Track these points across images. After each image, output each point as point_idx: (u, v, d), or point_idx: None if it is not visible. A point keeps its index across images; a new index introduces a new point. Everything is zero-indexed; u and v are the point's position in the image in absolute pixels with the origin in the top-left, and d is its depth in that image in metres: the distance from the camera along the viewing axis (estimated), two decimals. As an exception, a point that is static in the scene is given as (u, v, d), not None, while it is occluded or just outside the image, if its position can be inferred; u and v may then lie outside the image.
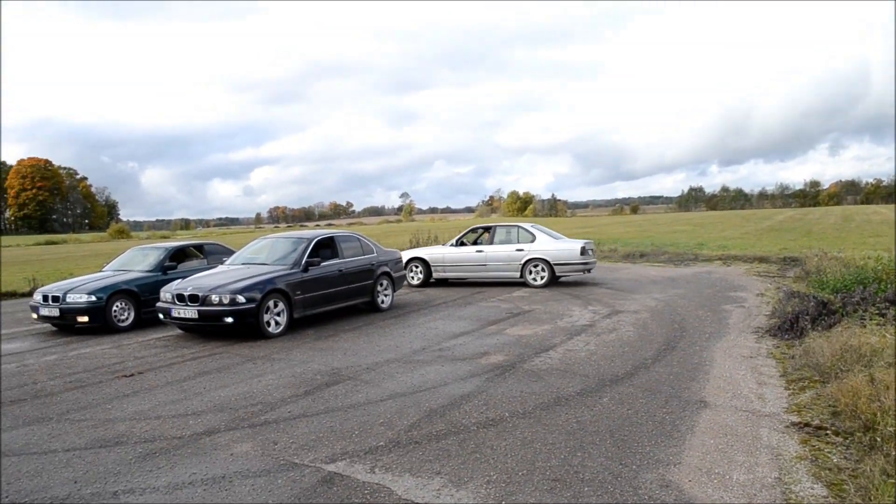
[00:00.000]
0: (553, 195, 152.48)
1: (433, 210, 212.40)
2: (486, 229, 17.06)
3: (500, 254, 15.82)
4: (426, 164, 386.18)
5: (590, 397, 6.43)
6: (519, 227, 16.60)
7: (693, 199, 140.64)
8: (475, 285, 16.19)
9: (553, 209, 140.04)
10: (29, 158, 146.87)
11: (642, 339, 9.05)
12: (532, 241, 15.85)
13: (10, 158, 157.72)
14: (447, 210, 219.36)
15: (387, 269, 12.81)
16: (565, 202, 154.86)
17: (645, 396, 6.40)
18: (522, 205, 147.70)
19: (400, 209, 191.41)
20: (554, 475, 4.60)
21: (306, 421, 6.04)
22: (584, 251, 15.54)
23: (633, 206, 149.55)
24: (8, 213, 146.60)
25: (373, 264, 12.46)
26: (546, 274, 15.50)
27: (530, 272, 15.65)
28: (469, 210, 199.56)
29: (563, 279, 16.15)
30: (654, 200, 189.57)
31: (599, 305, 12.21)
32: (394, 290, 13.07)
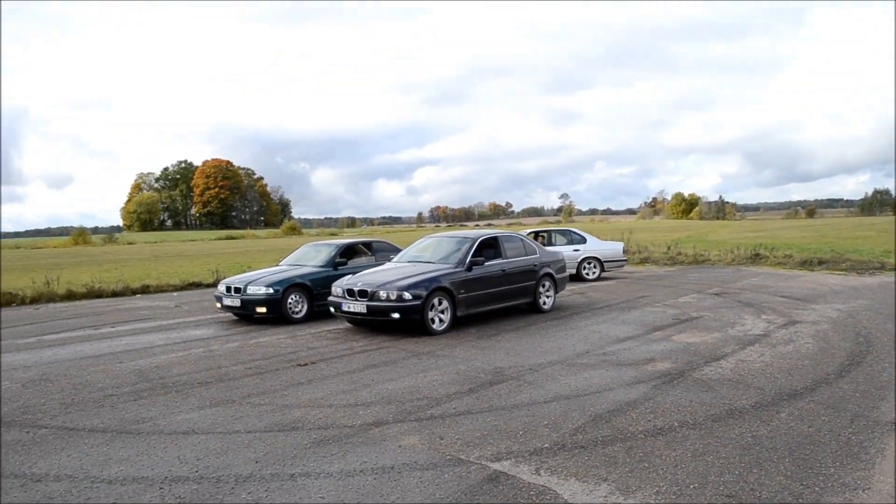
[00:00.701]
0: (721, 197, 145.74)
1: (593, 211, 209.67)
2: (543, 233, 19.77)
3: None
4: (587, 164, 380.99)
5: (766, 411, 6.10)
6: (572, 231, 19.88)
7: (878, 203, 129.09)
8: (638, 289, 15.80)
9: (721, 212, 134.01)
10: (213, 159, 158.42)
11: (823, 353, 8.47)
12: (584, 243, 19.08)
13: (197, 159, 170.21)
14: (608, 212, 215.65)
15: (549, 270, 12.75)
16: (734, 204, 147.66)
17: (827, 414, 5.98)
18: (688, 207, 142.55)
19: (559, 210, 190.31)
20: (728, 491, 4.39)
21: (471, 418, 6.12)
22: (624, 251, 19.60)
23: (809, 209, 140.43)
24: (193, 210, 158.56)
25: (535, 265, 12.44)
26: (597, 270, 18.79)
27: (584, 268, 18.71)
28: (630, 212, 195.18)
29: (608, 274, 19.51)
30: (832, 204, 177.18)
31: (774, 315, 11.55)
32: (556, 292, 12.99)
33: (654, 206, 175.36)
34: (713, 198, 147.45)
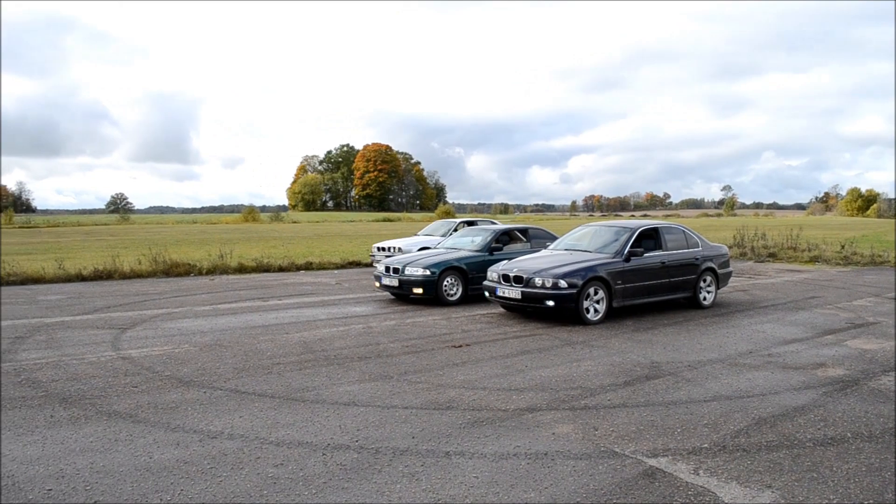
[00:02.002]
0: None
1: (758, 205, 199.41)
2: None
3: None
4: (753, 155, 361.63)
5: (954, 429, 5.59)
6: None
7: None
8: (807, 289, 14.88)
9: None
10: (373, 143, 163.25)
11: None
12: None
13: (358, 143, 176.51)
14: (773, 206, 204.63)
15: (712, 264, 12.26)
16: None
17: None
18: (864, 203, 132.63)
19: (721, 202, 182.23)
20: (909, 510, 4.08)
21: (626, 411, 6.01)
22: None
23: None
24: (353, 192, 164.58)
25: (697, 259, 12.00)
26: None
27: None
28: (799, 207, 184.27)
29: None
30: None
31: (965, 325, 10.54)
32: (717, 288, 12.48)
33: (825, 202, 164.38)
34: (893, 195, 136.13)
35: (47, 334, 9.72)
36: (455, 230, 18.37)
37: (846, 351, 8.56)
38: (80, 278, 17.23)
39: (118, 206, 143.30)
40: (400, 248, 17.49)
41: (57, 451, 5.06)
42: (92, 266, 18.30)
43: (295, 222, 77.73)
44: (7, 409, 6.13)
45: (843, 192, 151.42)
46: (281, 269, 20.04)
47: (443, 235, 18.18)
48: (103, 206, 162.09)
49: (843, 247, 25.37)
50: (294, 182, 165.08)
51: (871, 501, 4.20)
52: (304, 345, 8.93)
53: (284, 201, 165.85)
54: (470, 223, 18.75)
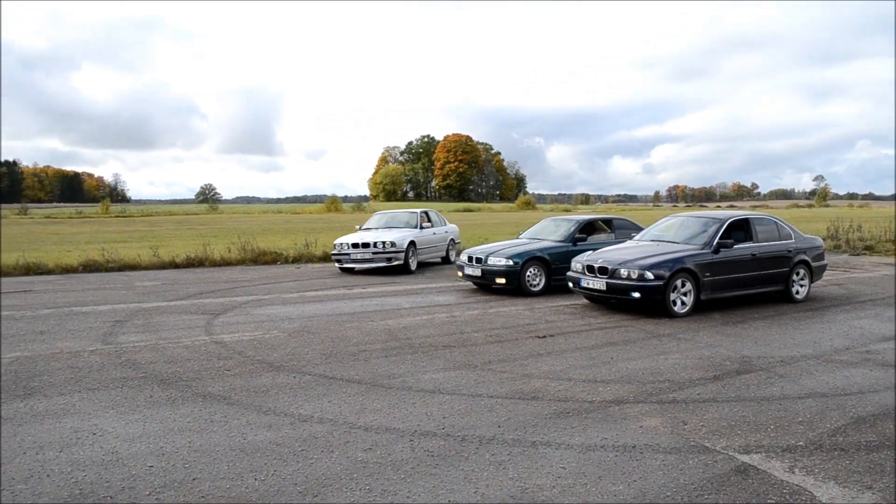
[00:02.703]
0: None
1: (852, 196, 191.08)
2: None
3: None
4: (847, 144, 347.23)
5: None
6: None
7: None
8: (909, 284, 14.20)
9: None
10: (454, 134, 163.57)
11: None
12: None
13: (439, 134, 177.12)
14: (869, 196, 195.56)
15: (805, 256, 11.81)
16: None
17: None
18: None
19: (812, 193, 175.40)
20: None
21: (716, 406, 5.87)
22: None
23: None
24: (434, 182, 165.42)
25: (790, 251, 11.58)
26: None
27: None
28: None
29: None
30: None
31: None
32: (811, 281, 12.02)
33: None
34: None
35: (144, 318, 10.15)
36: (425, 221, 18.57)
37: (952, 349, 8.14)
38: (173, 265, 17.95)
39: (207, 197, 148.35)
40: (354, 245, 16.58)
41: (157, 429, 5.28)
42: (184, 254, 19.03)
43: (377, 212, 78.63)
44: (110, 388, 6.44)
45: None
46: (364, 259, 20.32)
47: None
48: (192, 197, 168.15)
49: (947, 240, 24.09)
50: (375, 173, 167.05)
51: (982, 507, 3.99)
52: (389, 332, 9.06)
53: (366, 192, 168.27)
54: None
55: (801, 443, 5.01)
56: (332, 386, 6.49)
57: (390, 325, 9.60)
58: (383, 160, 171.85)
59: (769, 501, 4.06)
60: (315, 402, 5.96)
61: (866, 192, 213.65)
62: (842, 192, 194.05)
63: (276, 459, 4.64)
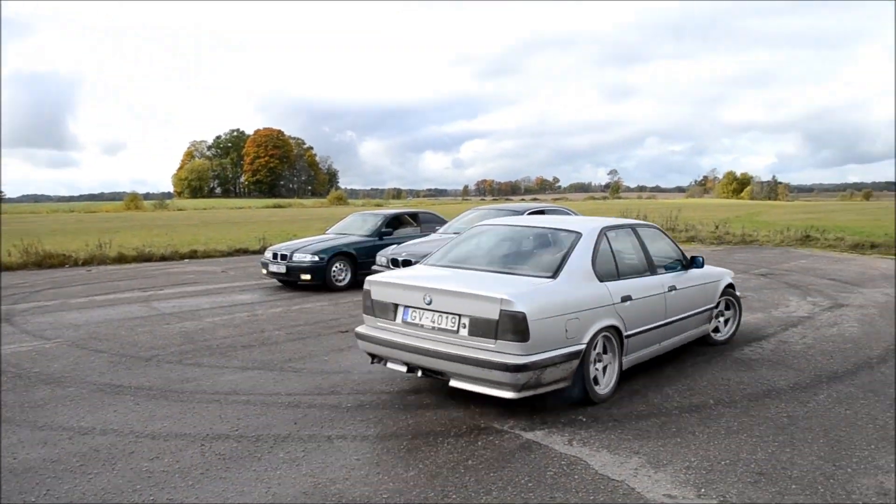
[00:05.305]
0: (774, 177, 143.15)
1: (641, 188, 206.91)
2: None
3: None
4: (638, 140, 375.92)
5: (803, 393, 6.04)
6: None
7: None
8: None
9: (772, 192, 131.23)
10: (265, 129, 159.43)
11: (867, 337, 8.31)
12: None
13: (249, 128, 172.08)
14: (656, 189, 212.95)
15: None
16: (786, 185, 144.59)
17: (867, 397, 5.90)
18: (739, 186, 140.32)
19: (607, 186, 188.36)
20: (759, 469, 4.39)
21: (506, 389, 6.17)
22: None
23: (866, 192, 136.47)
24: (243, 178, 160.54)
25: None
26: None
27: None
28: (680, 190, 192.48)
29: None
30: (889, 186, 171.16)
31: (820, 297, 11.35)
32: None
33: (703, 185, 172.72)
34: (766, 178, 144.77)
35: None
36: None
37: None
38: (-59, 273, 16.16)
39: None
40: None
41: (-89, 455, 4.77)
42: (-46, 260, 17.17)
43: (181, 210, 75.18)
44: None
45: (721, 176, 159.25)
46: (164, 259, 19.34)
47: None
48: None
49: (716, 227, 26.78)
50: (180, 168, 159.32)
51: (727, 461, 4.50)
52: (185, 335, 8.71)
53: (170, 188, 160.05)
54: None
55: (581, 417, 5.39)
56: (119, 395, 6.14)
57: (187, 327, 9.23)
58: (189, 155, 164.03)
59: (548, 472, 4.35)
60: (98, 414, 5.62)
61: (654, 185, 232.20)
62: (633, 185, 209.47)
63: (49, 478, 4.34)
